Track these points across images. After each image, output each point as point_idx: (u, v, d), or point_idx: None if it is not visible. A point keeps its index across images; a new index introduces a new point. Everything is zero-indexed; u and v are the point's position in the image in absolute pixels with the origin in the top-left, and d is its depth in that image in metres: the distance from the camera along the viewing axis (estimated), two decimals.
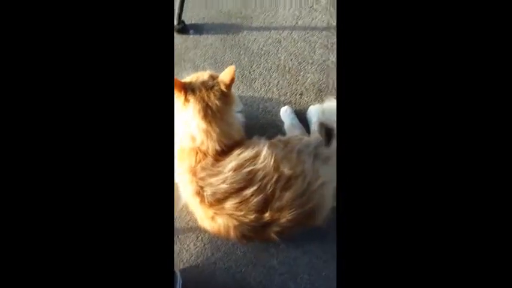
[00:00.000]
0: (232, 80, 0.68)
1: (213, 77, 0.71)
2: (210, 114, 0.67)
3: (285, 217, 0.65)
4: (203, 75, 0.71)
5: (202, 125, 0.67)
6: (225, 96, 0.69)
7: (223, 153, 0.67)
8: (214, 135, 0.67)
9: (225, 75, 0.68)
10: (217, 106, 0.67)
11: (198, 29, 1.02)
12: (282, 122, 0.87)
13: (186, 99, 0.67)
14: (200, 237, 0.76)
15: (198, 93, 0.68)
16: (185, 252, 0.74)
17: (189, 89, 0.68)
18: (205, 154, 0.67)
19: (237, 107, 0.75)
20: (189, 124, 0.68)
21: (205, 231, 0.73)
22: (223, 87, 0.68)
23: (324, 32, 0.98)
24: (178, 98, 0.68)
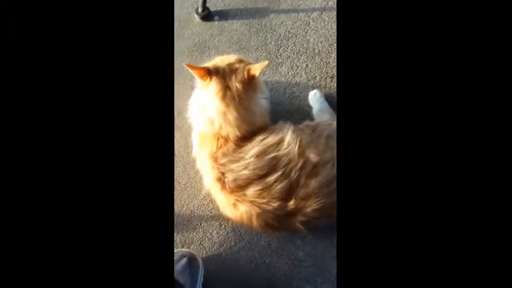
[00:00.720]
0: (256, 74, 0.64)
1: (240, 61, 0.67)
2: (229, 96, 0.64)
3: (311, 206, 0.60)
4: (230, 58, 0.68)
5: (220, 106, 0.64)
6: (249, 82, 0.65)
7: (245, 139, 0.64)
8: (232, 119, 0.64)
9: (255, 67, 0.64)
10: (237, 89, 0.64)
11: (223, 15, 1.00)
12: (310, 108, 0.81)
13: (209, 79, 0.65)
14: (223, 226, 0.74)
15: (221, 74, 0.65)
16: (207, 241, 0.73)
17: (213, 71, 0.65)
18: (226, 140, 0.64)
19: (263, 93, 0.71)
20: (207, 106, 0.65)
21: (228, 219, 0.71)
22: (246, 75, 0.64)
23: None
24: (201, 81, 0.66)
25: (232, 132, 0.64)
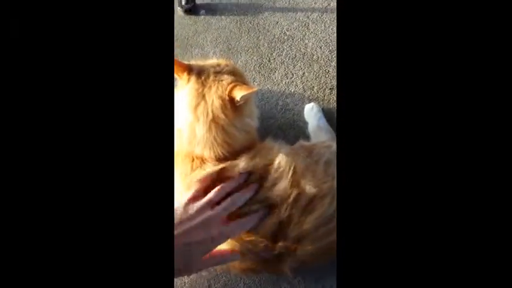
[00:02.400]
0: (241, 99, 0.49)
1: (233, 73, 0.52)
2: (201, 109, 0.50)
3: (305, 249, 0.49)
4: (224, 64, 0.54)
5: (189, 117, 0.50)
6: (230, 102, 0.50)
7: (226, 160, 0.52)
8: (201, 137, 0.50)
9: (240, 89, 0.49)
10: (213, 105, 0.49)
11: (211, 9, 0.87)
12: (306, 123, 0.70)
13: (187, 78, 0.51)
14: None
15: (202, 78, 0.52)
16: (178, 281, 0.60)
17: (195, 70, 0.52)
18: (202, 160, 0.51)
19: (250, 117, 0.55)
20: (177, 113, 0.51)
21: None
22: (227, 93, 0.50)
23: None
24: (178, 78, 0.53)
25: (205, 152, 0.51)
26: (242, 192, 0.49)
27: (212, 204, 0.48)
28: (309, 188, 0.50)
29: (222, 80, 0.50)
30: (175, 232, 0.43)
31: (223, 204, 0.48)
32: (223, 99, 0.49)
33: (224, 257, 0.50)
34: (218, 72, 0.52)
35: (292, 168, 0.51)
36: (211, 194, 0.48)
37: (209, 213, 0.46)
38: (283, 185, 0.50)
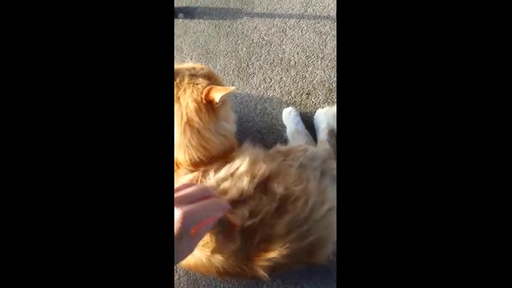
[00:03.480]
0: (220, 100, 0.49)
1: (209, 77, 0.53)
2: (176, 111, 0.50)
3: (278, 252, 0.50)
4: (199, 68, 0.54)
5: None
6: (207, 105, 0.50)
7: (202, 163, 0.52)
8: (175, 140, 0.50)
9: (217, 89, 0.49)
10: (187, 108, 0.49)
11: (189, 12, 0.88)
12: (284, 127, 0.71)
13: None
14: (175, 269, 0.61)
15: (177, 80, 0.51)
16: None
17: None
18: (177, 165, 0.51)
19: (226, 121, 0.55)
20: None
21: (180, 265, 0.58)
22: (204, 96, 0.50)
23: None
24: None
25: (179, 155, 0.51)
26: (198, 185, 0.46)
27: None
28: (281, 191, 0.50)
29: (197, 84, 0.51)
30: None
31: (186, 190, 0.44)
32: (198, 102, 0.49)
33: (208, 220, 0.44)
34: (193, 75, 0.52)
35: (262, 171, 0.51)
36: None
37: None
38: (244, 182, 0.49)
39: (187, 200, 0.43)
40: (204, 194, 0.45)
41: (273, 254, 0.50)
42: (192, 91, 0.49)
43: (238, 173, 0.50)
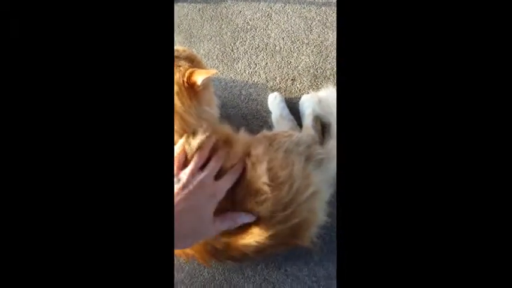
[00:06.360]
0: (202, 83, 0.49)
1: (191, 59, 0.52)
2: None
3: (261, 234, 0.50)
4: (182, 51, 0.53)
5: None
6: (189, 87, 0.49)
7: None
8: None
9: (199, 72, 0.48)
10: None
11: None
12: (269, 113, 0.71)
13: None
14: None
15: None
16: None
17: None
18: None
19: (209, 106, 0.54)
20: None
21: None
22: (186, 78, 0.49)
23: (323, 8, 0.82)
24: None
25: None
26: (219, 153, 0.51)
27: (200, 167, 0.49)
28: (263, 171, 0.50)
29: (179, 66, 0.49)
30: (175, 200, 0.45)
31: (210, 164, 0.50)
32: (179, 85, 0.48)
33: (235, 219, 0.50)
34: (175, 57, 0.51)
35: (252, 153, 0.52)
36: (195, 159, 0.49)
37: (201, 174, 0.48)
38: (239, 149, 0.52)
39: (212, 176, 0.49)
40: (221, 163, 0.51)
41: (257, 237, 0.50)
42: (174, 74, 0.48)
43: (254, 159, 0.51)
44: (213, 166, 0.50)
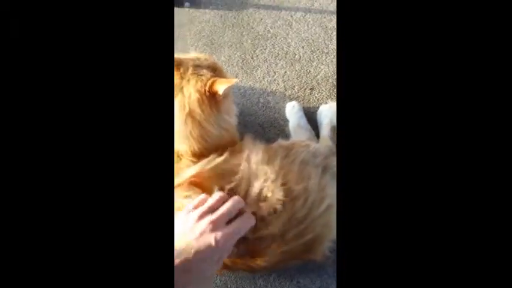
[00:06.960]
0: (223, 93, 0.49)
1: (214, 68, 0.52)
2: (179, 101, 0.49)
3: (274, 251, 0.49)
4: (204, 59, 0.53)
5: None
6: (210, 96, 0.50)
7: (202, 156, 0.52)
8: (177, 130, 0.49)
9: (221, 82, 0.49)
10: (190, 98, 0.49)
11: (195, 1, 0.86)
12: (286, 121, 0.71)
13: None
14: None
15: (180, 70, 0.50)
16: None
17: (174, 62, 0.51)
18: (178, 156, 0.51)
19: (228, 114, 0.54)
20: None
21: None
22: (208, 87, 0.49)
23: None
24: None
25: (180, 146, 0.50)
26: (233, 199, 0.47)
27: (212, 210, 0.45)
28: (279, 191, 0.49)
29: (201, 75, 0.50)
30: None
31: (223, 208, 0.45)
32: (201, 94, 0.49)
33: (237, 234, 0.45)
34: (197, 66, 0.51)
35: (266, 170, 0.51)
36: (209, 201, 0.46)
37: (210, 217, 0.44)
38: (257, 186, 0.49)
39: (224, 220, 0.44)
40: (239, 207, 0.46)
41: (270, 252, 0.49)
42: (196, 82, 0.49)
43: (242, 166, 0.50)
44: (228, 209, 0.45)
